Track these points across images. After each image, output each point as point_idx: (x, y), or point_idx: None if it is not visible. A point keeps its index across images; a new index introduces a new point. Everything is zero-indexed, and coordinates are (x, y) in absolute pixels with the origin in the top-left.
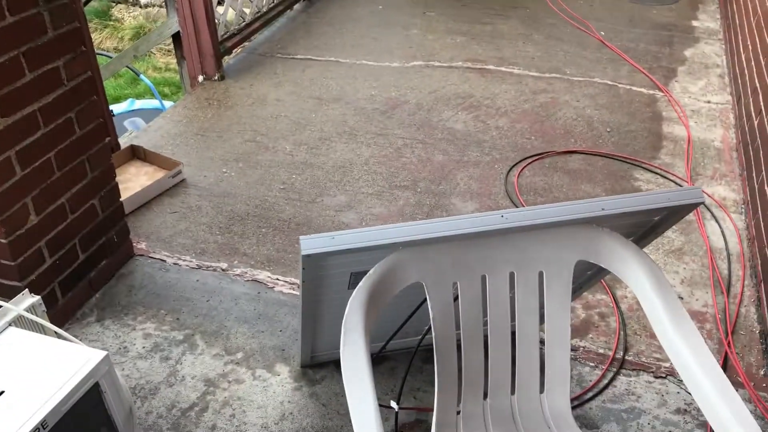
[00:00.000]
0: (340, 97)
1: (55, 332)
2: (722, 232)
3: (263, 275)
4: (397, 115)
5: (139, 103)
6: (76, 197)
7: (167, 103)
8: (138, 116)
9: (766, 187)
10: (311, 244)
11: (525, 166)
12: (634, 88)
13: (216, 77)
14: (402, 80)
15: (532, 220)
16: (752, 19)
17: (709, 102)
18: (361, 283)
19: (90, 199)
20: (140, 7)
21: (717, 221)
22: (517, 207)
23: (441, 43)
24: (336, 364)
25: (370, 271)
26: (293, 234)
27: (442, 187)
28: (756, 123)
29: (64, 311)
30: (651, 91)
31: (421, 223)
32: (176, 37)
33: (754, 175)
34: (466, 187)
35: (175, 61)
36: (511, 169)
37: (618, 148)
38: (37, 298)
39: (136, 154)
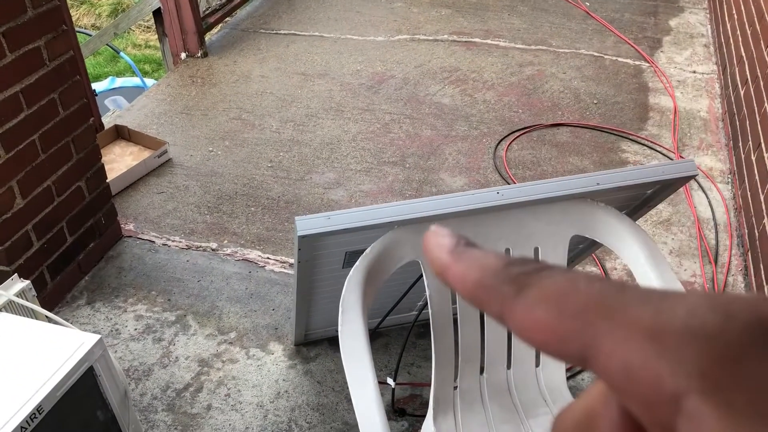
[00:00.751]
0: (325, 73)
1: (47, 317)
2: (709, 202)
3: (254, 254)
4: (384, 90)
5: (120, 81)
6: (62, 179)
7: (148, 81)
8: (119, 95)
9: (752, 157)
10: (307, 224)
11: (513, 140)
12: (620, 59)
13: (199, 54)
14: (388, 54)
15: (528, 196)
16: None
17: (694, 72)
18: (357, 263)
19: (76, 181)
20: None
21: (704, 191)
22: (506, 181)
23: (426, 16)
24: (330, 341)
25: (366, 251)
26: (282, 212)
27: (430, 162)
28: (742, 92)
29: (54, 295)
30: (637, 62)
31: (417, 202)
32: (157, 14)
33: (740, 144)
34: (454, 161)
35: (155, 37)
36: (499, 143)
37: (605, 120)
38: (27, 282)
39: (121, 133)
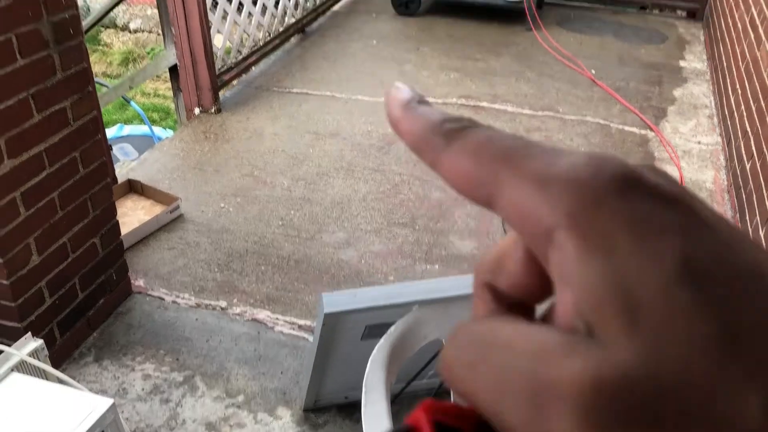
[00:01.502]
0: (336, 132)
1: (58, 378)
2: None
3: (263, 314)
4: (394, 151)
5: (128, 129)
6: (77, 236)
7: (156, 129)
8: (127, 142)
9: (760, 232)
10: (333, 301)
11: None
12: (625, 128)
13: (213, 110)
14: None
15: None
16: (741, 63)
17: (699, 143)
18: (381, 342)
19: (91, 237)
20: (130, 32)
21: None
22: None
23: (435, 79)
24: (339, 408)
25: (390, 330)
26: (292, 272)
27: (440, 224)
28: (749, 166)
29: (62, 351)
30: (642, 131)
31: (441, 281)
32: (173, 69)
33: (747, 218)
34: (464, 224)
35: (164, 86)
36: None
37: None
38: (40, 342)
39: (133, 188)
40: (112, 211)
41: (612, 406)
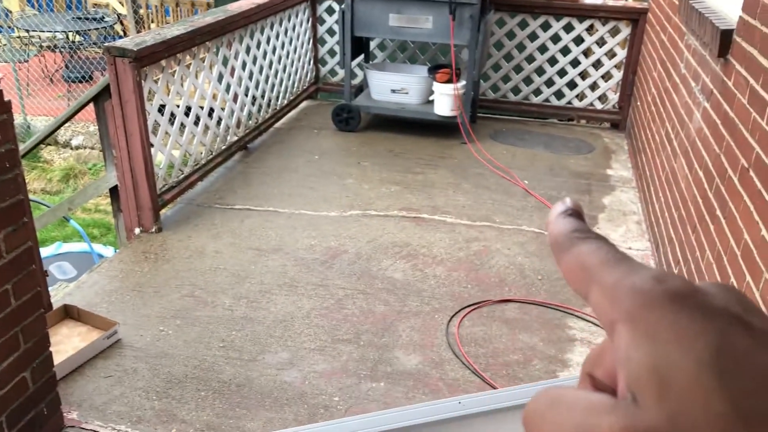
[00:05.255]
0: (279, 248)
1: None
2: None
3: None
4: (337, 265)
5: (67, 247)
6: (6, 371)
7: (96, 246)
8: (65, 260)
9: None
10: None
11: (464, 316)
12: None
13: (153, 230)
14: (340, 229)
15: (489, 406)
16: (661, 173)
17: (630, 248)
18: None
19: (21, 372)
20: (71, 148)
21: None
22: (460, 359)
23: (376, 192)
24: None
25: None
26: (234, 397)
27: (384, 339)
28: (676, 271)
29: None
30: None
31: (381, 414)
32: (113, 190)
33: None
34: (408, 338)
35: (105, 201)
36: (451, 318)
37: (550, 296)
38: None
39: (69, 313)
40: (45, 342)
41: None
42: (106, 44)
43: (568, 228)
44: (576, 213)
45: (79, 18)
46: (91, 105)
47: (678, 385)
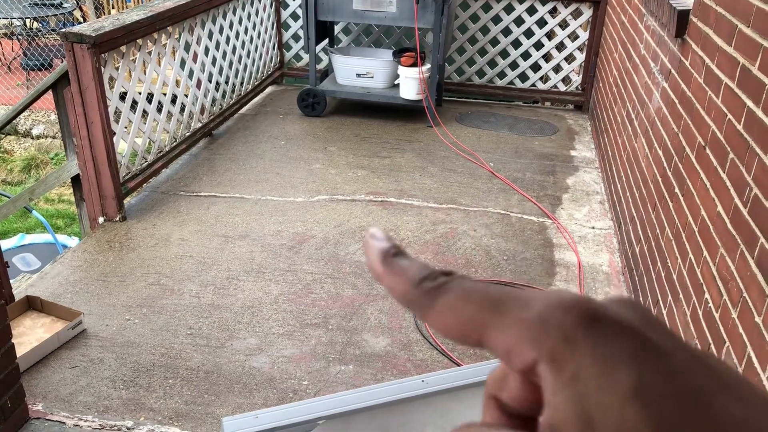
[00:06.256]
0: (246, 234)
1: None
2: None
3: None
4: (305, 250)
5: (30, 238)
6: None
7: (60, 237)
8: (29, 251)
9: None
10: (235, 425)
11: None
12: (525, 217)
13: (117, 218)
14: (308, 215)
15: (452, 383)
16: (623, 153)
17: (593, 228)
18: None
19: None
20: (32, 138)
21: None
22: (427, 340)
23: (343, 177)
24: None
25: None
26: (202, 384)
27: (353, 322)
28: (637, 250)
29: None
30: (540, 219)
31: (345, 394)
32: (75, 179)
33: (640, 299)
34: (376, 321)
35: (68, 192)
36: None
37: (516, 276)
38: None
39: (32, 304)
40: (7, 334)
41: None
42: (63, 30)
43: (411, 279)
44: (399, 251)
45: (37, 4)
46: (51, 93)
47: (602, 423)
